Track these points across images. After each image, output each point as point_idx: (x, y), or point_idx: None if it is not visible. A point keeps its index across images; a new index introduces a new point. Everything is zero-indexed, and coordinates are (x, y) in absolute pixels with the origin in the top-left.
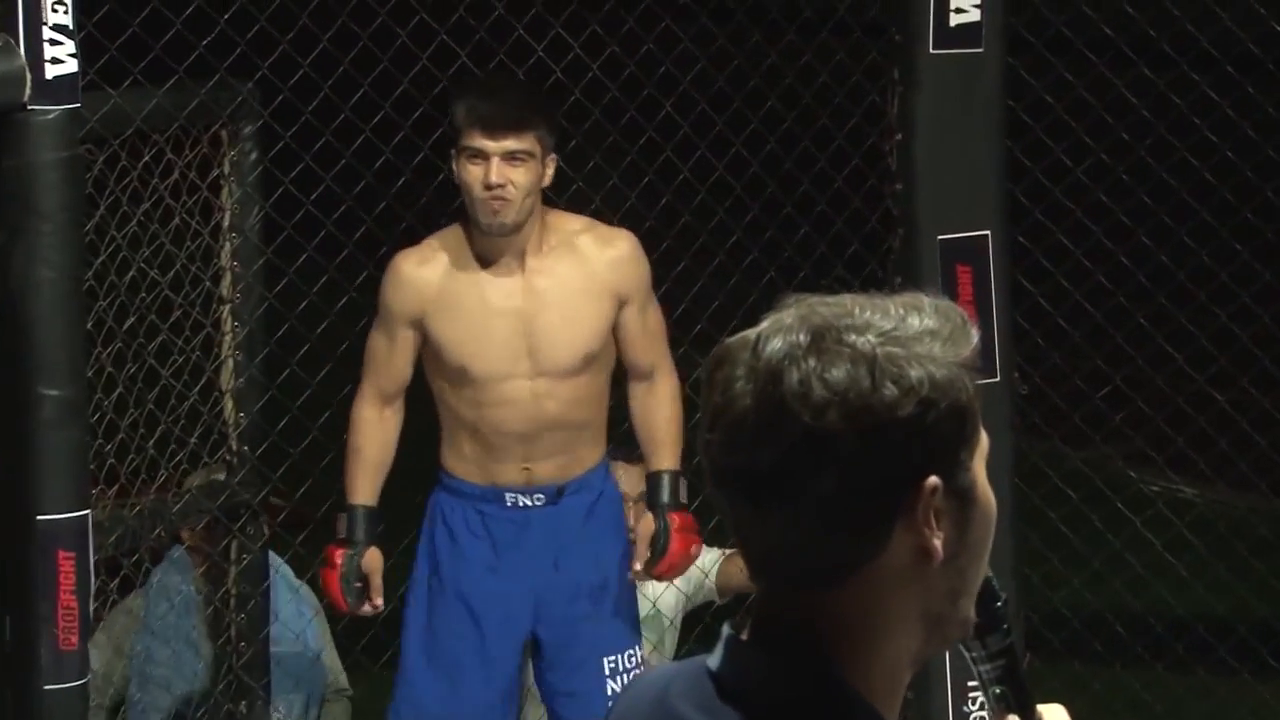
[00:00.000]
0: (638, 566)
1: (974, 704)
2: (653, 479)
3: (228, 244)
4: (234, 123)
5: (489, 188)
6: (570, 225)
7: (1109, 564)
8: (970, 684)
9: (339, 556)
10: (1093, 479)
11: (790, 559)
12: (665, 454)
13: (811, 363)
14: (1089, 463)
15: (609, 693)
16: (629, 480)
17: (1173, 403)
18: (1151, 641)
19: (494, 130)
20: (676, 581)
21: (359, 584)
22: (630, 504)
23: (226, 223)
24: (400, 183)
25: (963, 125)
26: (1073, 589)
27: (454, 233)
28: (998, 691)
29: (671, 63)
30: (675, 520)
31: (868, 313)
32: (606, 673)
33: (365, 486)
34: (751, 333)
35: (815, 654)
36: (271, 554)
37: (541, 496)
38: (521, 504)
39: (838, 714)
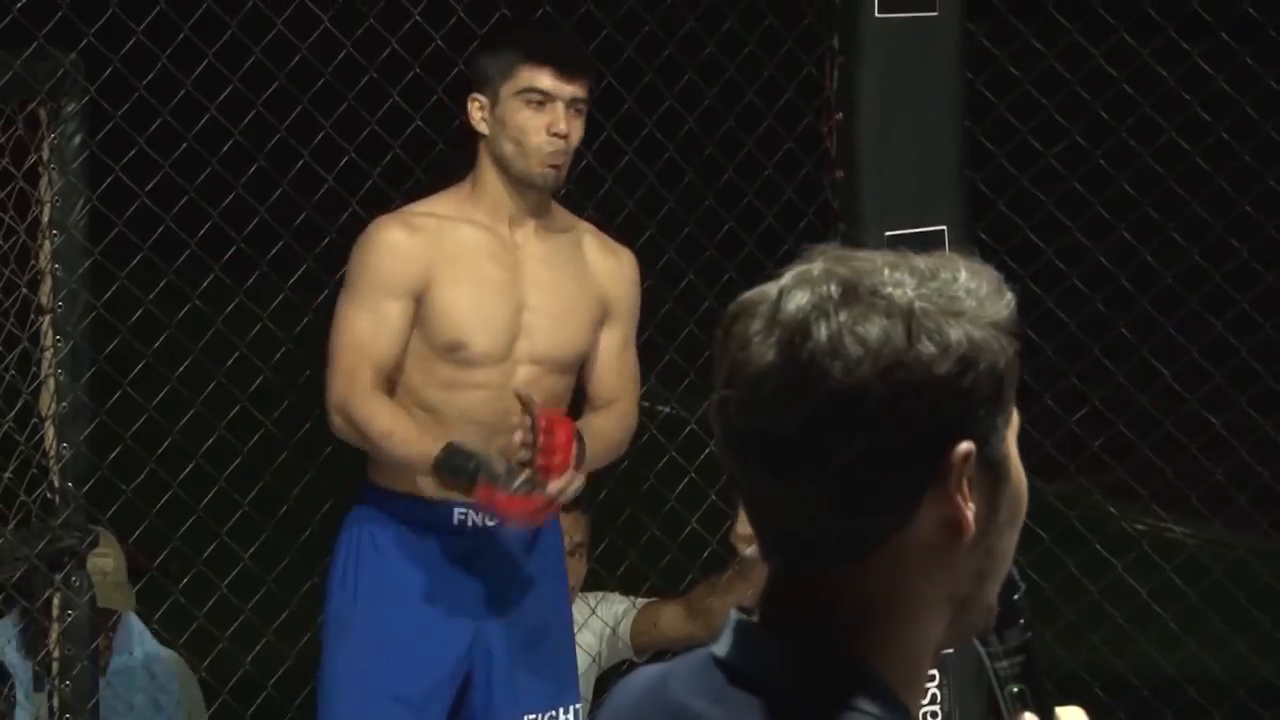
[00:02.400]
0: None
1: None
2: None
3: (47, 243)
4: (54, 99)
5: (557, 135)
6: (573, 220)
7: (1086, 616)
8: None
9: (485, 488)
10: (1067, 516)
11: (809, 532)
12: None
13: (843, 317)
14: (1063, 497)
15: None
16: (570, 527)
17: (1160, 427)
18: (1136, 706)
19: (566, 72)
20: (584, 642)
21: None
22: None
23: (46, 217)
24: (252, 170)
25: (915, 102)
26: (1044, 645)
27: (449, 197)
28: (1015, 690)
29: (573, 29)
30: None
31: (899, 270)
32: None
33: (426, 438)
34: (771, 286)
35: (834, 637)
36: (134, 619)
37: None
38: (471, 523)
39: (859, 702)
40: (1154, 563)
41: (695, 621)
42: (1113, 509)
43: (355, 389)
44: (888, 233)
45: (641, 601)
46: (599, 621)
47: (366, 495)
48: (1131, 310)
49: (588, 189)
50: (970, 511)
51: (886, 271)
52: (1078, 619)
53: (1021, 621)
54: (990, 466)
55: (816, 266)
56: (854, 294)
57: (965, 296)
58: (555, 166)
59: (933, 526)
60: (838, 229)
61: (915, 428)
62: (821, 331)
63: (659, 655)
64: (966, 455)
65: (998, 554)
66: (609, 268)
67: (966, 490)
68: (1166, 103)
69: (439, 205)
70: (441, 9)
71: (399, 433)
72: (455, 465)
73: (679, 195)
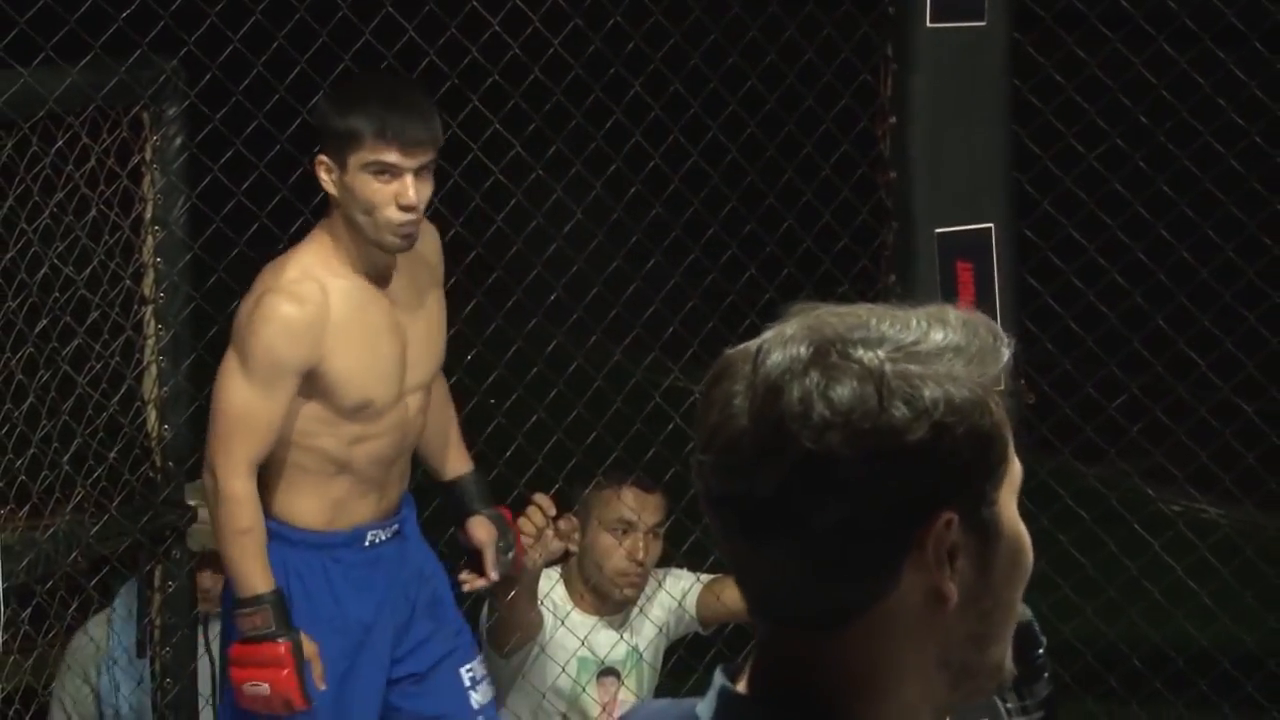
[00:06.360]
0: (494, 575)
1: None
2: (464, 482)
3: (150, 238)
4: (157, 104)
5: (406, 209)
6: None
7: (1125, 591)
8: None
9: (286, 650)
10: (1107, 498)
11: (790, 598)
12: (464, 453)
13: (814, 379)
14: (1103, 480)
15: (475, 705)
16: (645, 509)
17: (1196, 414)
18: (1172, 676)
19: (411, 146)
20: (653, 615)
21: None
22: (640, 535)
23: (149, 214)
24: None
25: (964, 107)
26: (1085, 619)
27: (316, 255)
28: None
29: (641, 38)
30: (508, 515)
31: (884, 324)
32: (467, 684)
33: (266, 569)
34: (754, 343)
35: (819, 707)
36: None
37: (395, 526)
38: (378, 540)
39: None
40: (1189, 542)
41: None
42: (1150, 491)
43: (231, 471)
44: (937, 230)
45: (706, 577)
46: (667, 595)
47: (278, 534)
48: (1169, 303)
49: (655, 187)
50: (953, 581)
51: (870, 327)
52: (1117, 594)
53: (1046, 675)
54: (978, 530)
55: (794, 324)
56: (826, 355)
57: (950, 355)
58: (407, 235)
59: (917, 594)
60: (891, 227)
61: (890, 495)
62: (793, 394)
63: (723, 628)
64: (947, 523)
65: (995, 617)
66: (434, 246)
67: (948, 559)
68: (1204, 108)
69: (312, 264)
70: (520, 19)
71: (251, 538)
72: (266, 613)
73: (741, 194)
